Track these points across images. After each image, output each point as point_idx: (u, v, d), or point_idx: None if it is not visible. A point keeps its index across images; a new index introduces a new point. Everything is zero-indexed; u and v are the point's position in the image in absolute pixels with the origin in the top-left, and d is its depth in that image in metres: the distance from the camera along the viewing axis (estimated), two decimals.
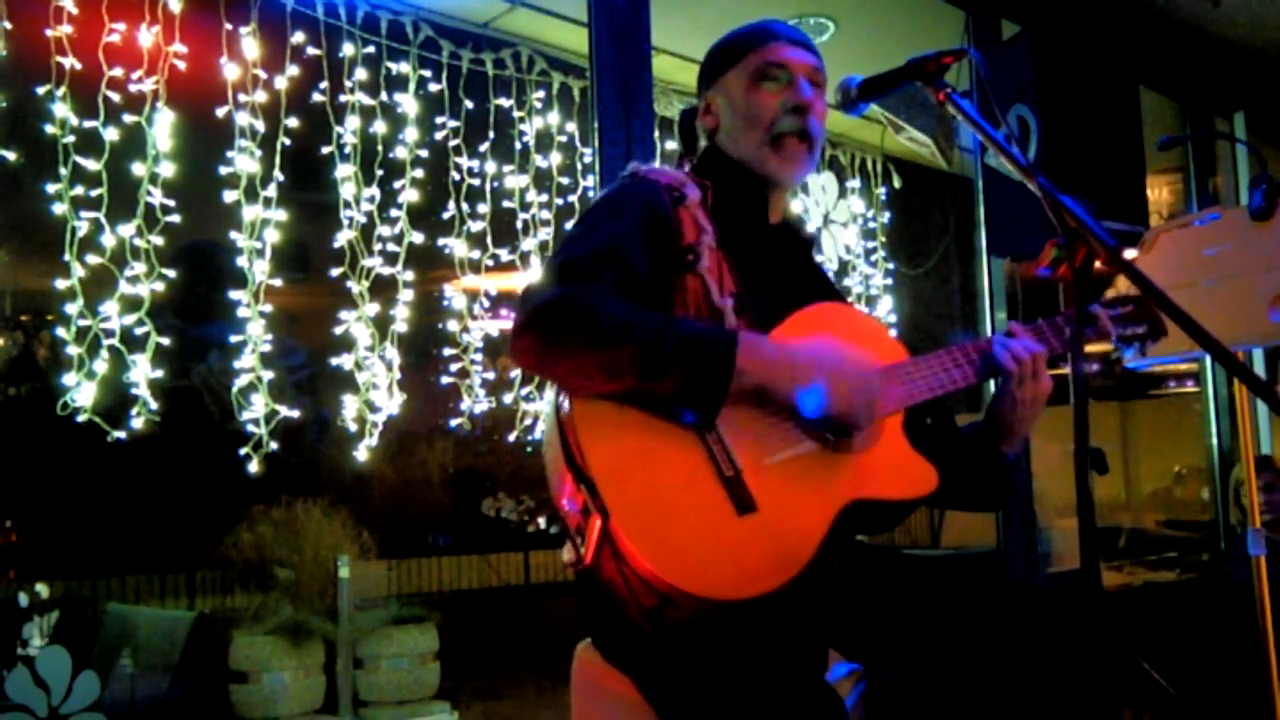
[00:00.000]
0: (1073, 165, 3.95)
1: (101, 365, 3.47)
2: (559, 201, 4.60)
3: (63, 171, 3.40)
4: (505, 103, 4.42)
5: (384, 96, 4.09)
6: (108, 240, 3.48)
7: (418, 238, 4.19)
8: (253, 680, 4.36)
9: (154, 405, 3.56)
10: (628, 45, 2.99)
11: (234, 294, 3.83)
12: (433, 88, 4.19)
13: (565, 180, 4.62)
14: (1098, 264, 1.25)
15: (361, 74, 4.02)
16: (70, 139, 3.41)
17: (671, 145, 4.02)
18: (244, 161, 3.76)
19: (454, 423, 4.54)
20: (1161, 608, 4.24)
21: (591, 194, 4.35)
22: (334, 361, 4.13)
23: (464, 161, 4.37)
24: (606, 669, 1.49)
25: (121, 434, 3.52)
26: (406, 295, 4.22)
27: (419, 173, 4.21)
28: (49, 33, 3.37)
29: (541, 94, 4.52)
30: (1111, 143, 4.26)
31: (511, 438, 4.59)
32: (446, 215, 4.38)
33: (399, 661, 4.66)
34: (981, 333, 4.17)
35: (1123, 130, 4.36)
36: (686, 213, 1.56)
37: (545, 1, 4.09)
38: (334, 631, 4.57)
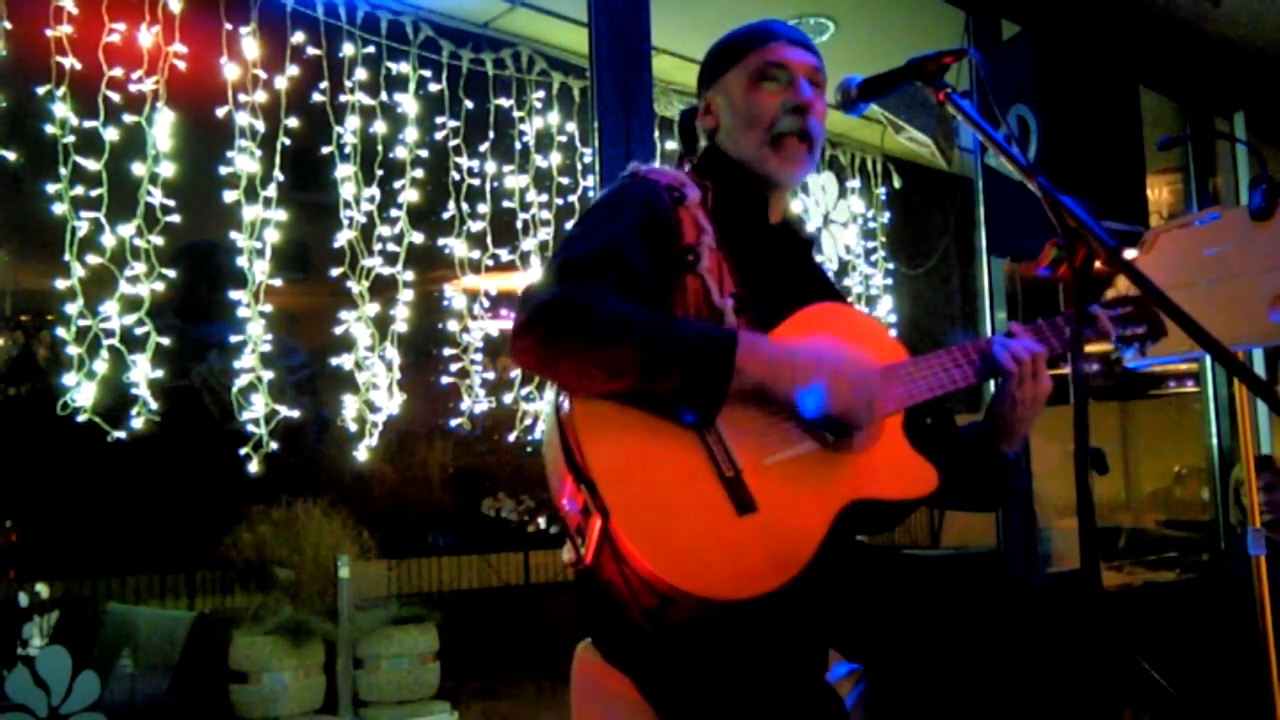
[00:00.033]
0: (1073, 165, 3.95)
1: (101, 365, 3.47)
2: (559, 201, 4.60)
3: (63, 171, 3.40)
4: (505, 103, 4.42)
5: (384, 96, 4.08)
6: (108, 240, 3.48)
7: (418, 238, 4.19)
8: (253, 680, 4.35)
9: (154, 405, 3.56)
10: (628, 45, 2.99)
11: (234, 294, 3.83)
12: (433, 88, 4.19)
13: (565, 180, 4.62)
14: (1098, 264, 1.25)
15: (361, 74, 4.02)
16: (70, 139, 3.41)
17: (671, 145, 4.01)
18: (244, 161, 3.76)
19: (454, 423, 4.54)
20: (1161, 608, 4.24)
21: (591, 194, 4.35)
22: (334, 361, 4.13)
23: (464, 161, 4.37)
24: (606, 669, 1.49)
25: (121, 434, 3.52)
26: (406, 295, 4.22)
27: (419, 173, 4.21)
28: (49, 33, 3.37)
29: (541, 94, 4.52)
30: (1111, 143, 4.26)
31: (511, 438, 4.59)
32: (446, 215, 4.38)
33: (399, 661, 4.66)
34: (981, 333, 4.16)
35: (1123, 130, 4.36)
36: (686, 213, 1.56)
37: (545, 1, 4.09)
38: (334, 631, 4.56)
